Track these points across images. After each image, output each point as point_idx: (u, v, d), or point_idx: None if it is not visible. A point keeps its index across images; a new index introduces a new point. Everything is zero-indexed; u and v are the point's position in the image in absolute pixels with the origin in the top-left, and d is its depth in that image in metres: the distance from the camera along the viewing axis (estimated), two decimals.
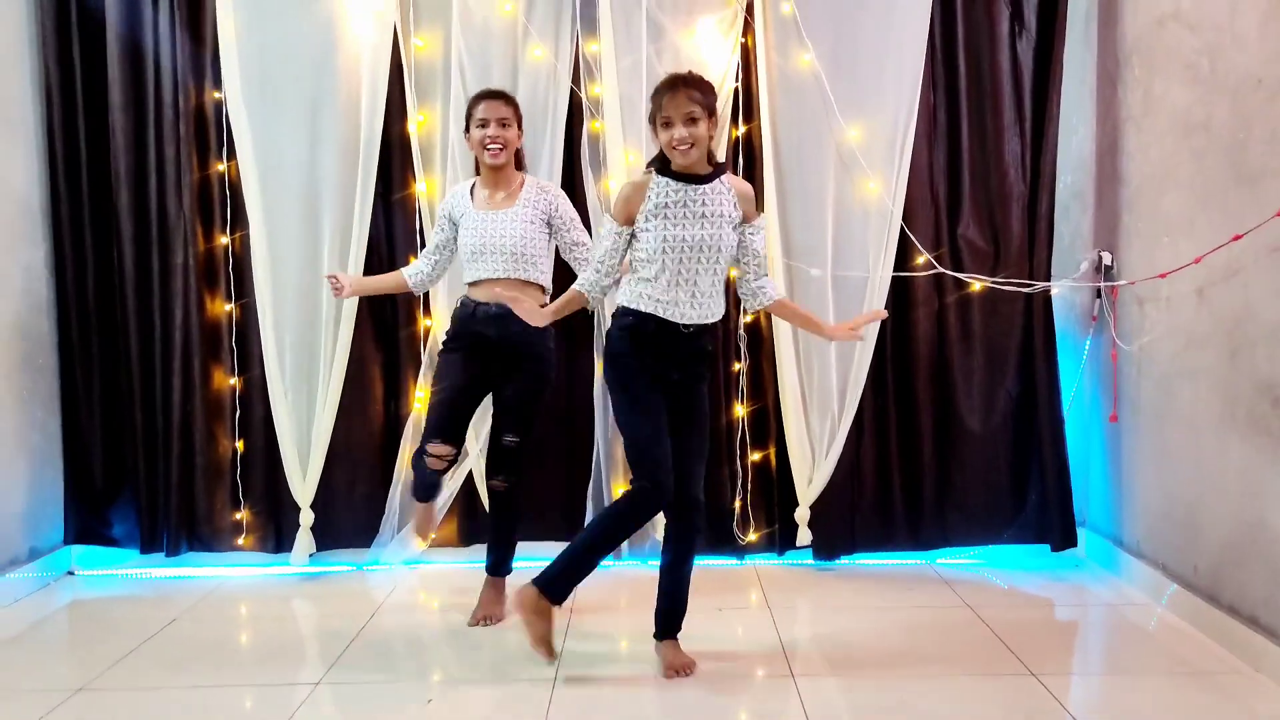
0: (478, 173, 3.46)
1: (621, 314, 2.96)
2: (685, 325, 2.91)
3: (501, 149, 3.32)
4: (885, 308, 3.87)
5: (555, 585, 2.92)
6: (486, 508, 3.70)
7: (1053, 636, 3.36)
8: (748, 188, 3.00)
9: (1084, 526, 4.05)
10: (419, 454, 3.38)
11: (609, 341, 2.99)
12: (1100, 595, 3.68)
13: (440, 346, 3.48)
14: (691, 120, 2.79)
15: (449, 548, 4.09)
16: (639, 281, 2.92)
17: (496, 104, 3.34)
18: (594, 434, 3.96)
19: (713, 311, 2.95)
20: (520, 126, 3.42)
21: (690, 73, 2.92)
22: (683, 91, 2.80)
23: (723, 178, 2.93)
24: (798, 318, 3.22)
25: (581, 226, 3.46)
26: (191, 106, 3.93)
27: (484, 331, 3.33)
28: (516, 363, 3.38)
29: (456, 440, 3.37)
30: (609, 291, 3.02)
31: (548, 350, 3.44)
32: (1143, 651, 3.16)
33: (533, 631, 2.93)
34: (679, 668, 2.99)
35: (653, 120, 2.87)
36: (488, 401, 3.53)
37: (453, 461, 3.36)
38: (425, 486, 3.46)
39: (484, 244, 3.32)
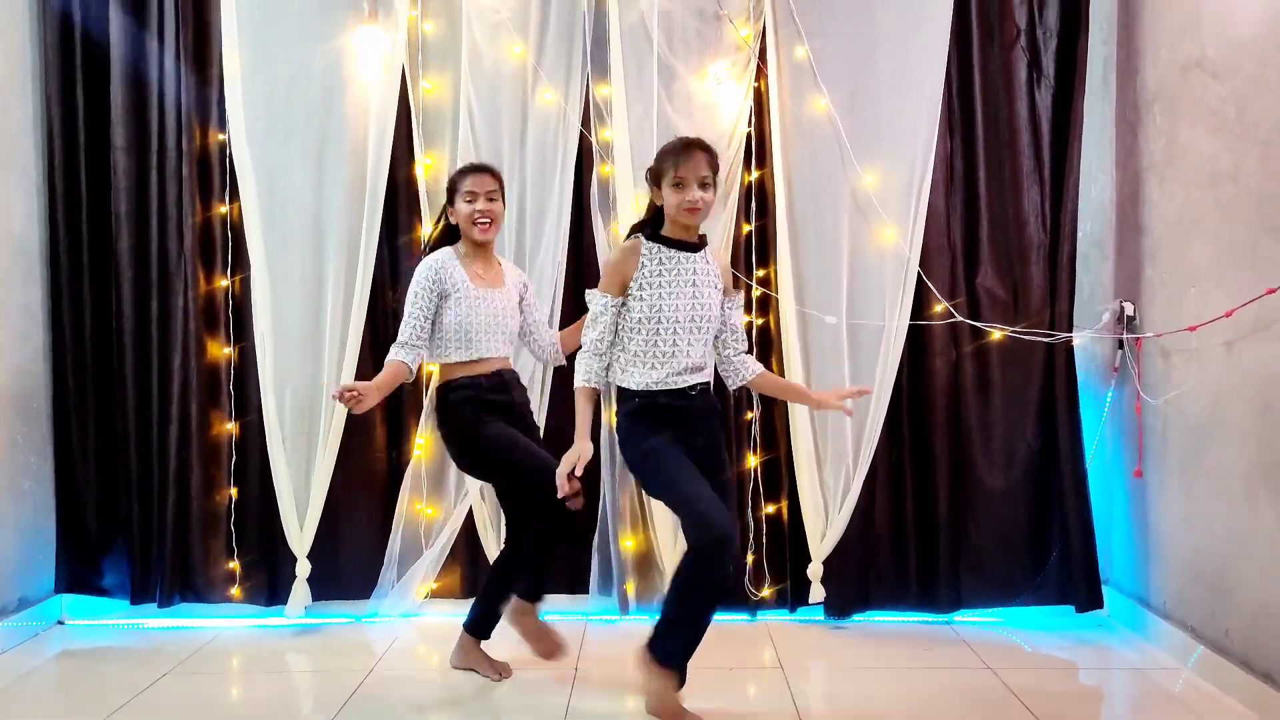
0: (448, 242, 3.34)
1: (625, 398, 2.89)
2: (689, 388, 2.87)
3: (490, 223, 3.27)
4: (902, 357, 3.80)
5: (665, 651, 2.81)
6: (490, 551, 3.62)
7: (1078, 702, 3.22)
8: (725, 261, 3.07)
9: (1107, 585, 3.92)
10: (549, 514, 3.11)
11: (620, 429, 2.92)
12: (1126, 658, 3.55)
13: (462, 434, 3.24)
14: (704, 185, 2.80)
15: (450, 599, 3.97)
16: (631, 359, 2.86)
17: (484, 177, 3.27)
18: (600, 485, 3.85)
19: (708, 375, 2.94)
20: (504, 198, 3.37)
21: (700, 139, 2.90)
22: (699, 154, 2.80)
23: (706, 249, 2.93)
24: (780, 389, 3.25)
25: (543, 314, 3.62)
26: (195, 147, 3.87)
27: (505, 400, 3.26)
28: (528, 420, 3.39)
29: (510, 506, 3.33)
30: (604, 376, 2.94)
31: None
32: None
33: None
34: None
35: (657, 180, 2.83)
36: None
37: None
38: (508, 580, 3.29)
39: (486, 323, 3.25)
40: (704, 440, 2.91)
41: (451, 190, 3.31)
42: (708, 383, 2.94)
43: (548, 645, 3.31)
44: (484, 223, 3.25)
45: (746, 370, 3.02)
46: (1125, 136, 3.85)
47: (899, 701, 3.16)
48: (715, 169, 2.85)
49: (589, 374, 2.90)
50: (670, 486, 2.80)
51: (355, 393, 3.04)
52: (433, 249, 3.35)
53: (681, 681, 2.84)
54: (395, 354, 3.21)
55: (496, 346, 3.29)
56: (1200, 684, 3.24)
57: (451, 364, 3.27)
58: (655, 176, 2.85)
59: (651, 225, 2.90)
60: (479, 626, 3.33)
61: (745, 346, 3.04)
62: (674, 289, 2.83)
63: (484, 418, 3.22)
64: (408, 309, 3.24)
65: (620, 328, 2.89)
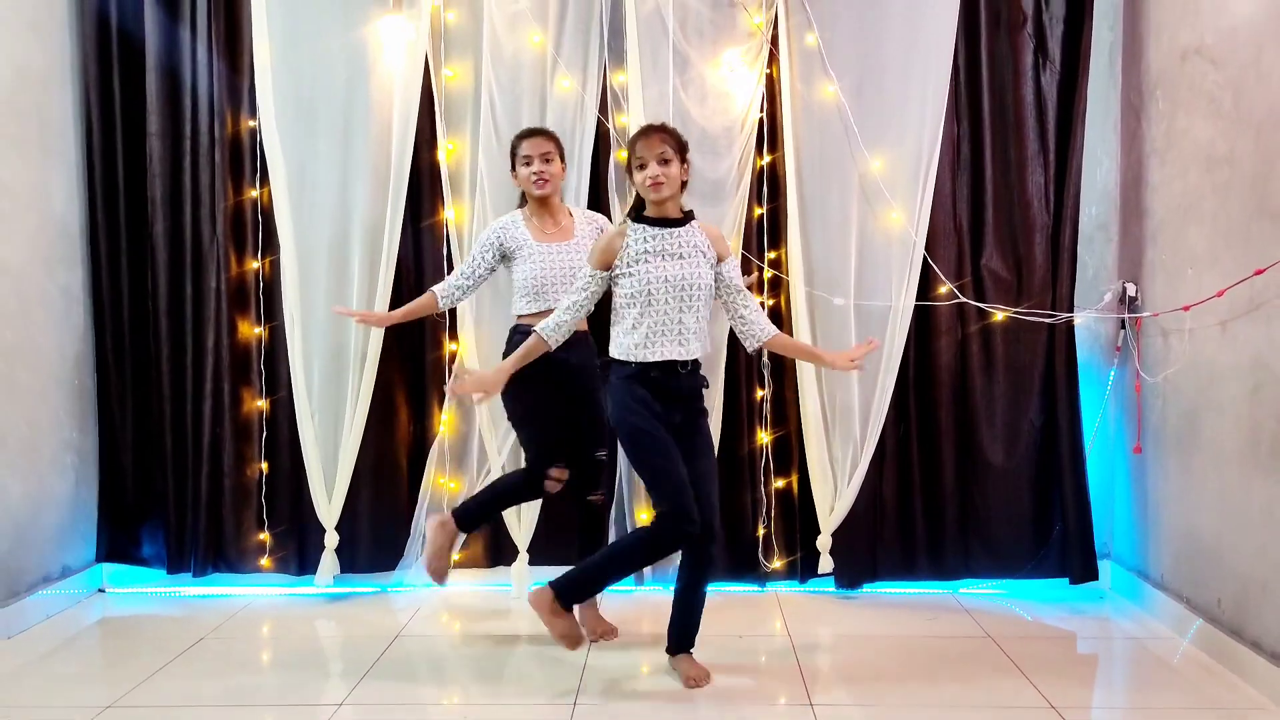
0: (522, 204, 3.60)
1: (619, 365, 3.09)
2: (681, 364, 3.04)
3: (547, 181, 3.47)
4: (908, 337, 3.90)
5: (569, 591, 3.10)
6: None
7: (1075, 670, 3.34)
8: (717, 230, 3.18)
9: (1108, 558, 4.04)
10: (532, 478, 3.51)
11: (612, 393, 3.11)
12: (1124, 628, 3.66)
13: (517, 387, 3.45)
14: (664, 161, 3.00)
15: (474, 569, 4.12)
16: (627, 331, 3.06)
17: (538, 140, 3.51)
18: (617, 457, 3.97)
19: (701, 348, 3.09)
20: (563, 159, 3.58)
21: (663, 122, 3.17)
22: (655, 135, 3.04)
23: (693, 223, 3.09)
24: (796, 350, 3.42)
25: None
26: (227, 134, 4.00)
27: (562, 357, 3.37)
28: (587, 381, 3.50)
29: (567, 462, 3.55)
30: (568, 336, 3.14)
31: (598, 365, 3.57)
32: (1165, 687, 3.14)
33: (554, 630, 3.11)
34: (696, 678, 3.10)
35: (628, 168, 3.08)
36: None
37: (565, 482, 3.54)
38: (500, 500, 3.62)
39: (549, 276, 3.46)
40: (682, 418, 3.09)
41: (512, 155, 3.56)
42: (698, 360, 3.10)
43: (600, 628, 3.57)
44: (540, 181, 3.47)
45: (762, 331, 3.12)
46: (1129, 121, 3.93)
47: (903, 668, 3.27)
48: (678, 146, 3.04)
49: (549, 327, 3.11)
50: (649, 466, 3.04)
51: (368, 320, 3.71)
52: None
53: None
54: (434, 287, 3.60)
55: (558, 299, 3.42)
56: (1195, 653, 3.35)
57: (524, 314, 3.51)
58: (627, 166, 3.09)
59: (637, 207, 3.11)
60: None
61: (754, 304, 3.15)
62: (660, 262, 3.02)
63: (530, 373, 3.38)
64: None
65: (616, 305, 3.10)
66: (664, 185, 2.99)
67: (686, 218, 3.09)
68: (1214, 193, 3.33)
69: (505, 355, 3.45)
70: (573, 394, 3.51)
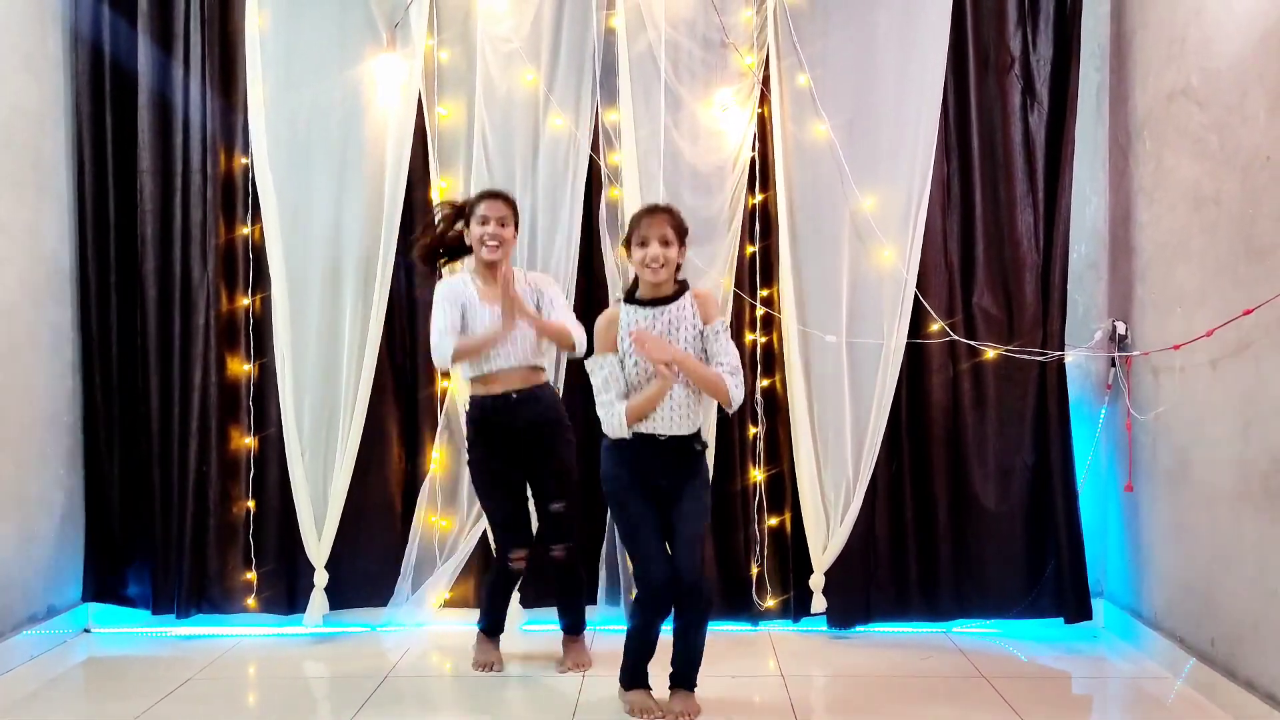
0: (457, 249, 3.66)
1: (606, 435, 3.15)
2: (662, 436, 3.07)
3: (499, 245, 3.49)
4: (900, 374, 3.91)
5: (626, 677, 3.21)
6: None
7: (1071, 710, 3.33)
8: (708, 293, 3.22)
9: (1102, 597, 4.03)
10: (500, 566, 3.59)
11: (601, 463, 3.18)
12: (1119, 668, 3.65)
13: (468, 454, 3.60)
14: (665, 242, 3.05)
15: (464, 609, 4.08)
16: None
17: (497, 203, 3.52)
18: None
19: (691, 423, 3.11)
20: (517, 225, 3.59)
21: (668, 204, 3.25)
22: (660, 215, 3.09)
23: (685, 294, 3.13)
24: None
25: (565, 307, 3.61)
26: (219, 171, 4.00)
27: (507, 422, 3.47)
28: (544, 436, 3.52)
29: (529, 539, 3.60)
30: (633, 418, 3.07)
31: (564, 414, 3.62)
32: None
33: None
34: (683, 713, 3.12)
35: (627, 242, 3.13)
36: None
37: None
38: (496, 597, 3.66)
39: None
40: (669, 484, 3.11)
41: (469, 213, 3.54)
42: (689, 434, 3.12)
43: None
44: (492, 244, 3.48)
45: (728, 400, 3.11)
46: (1117, 160, 3.97)
47: (896, 708, 3.26)
48: (679, 230, 3.09)
49: (612, 426, 3.07)
50: (628, 537, 3.17)
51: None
52: (434, 247, 3.64)
53: (647, 686, 3.20)
54: (441, 345, 3.43)
55: (506, 357, 3.45)
56: (1190, 694, 3.34)
57: (470, 379, 3.53)
58: (627, 240, 3.14)
59: (630, 291, 3.17)
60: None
61: (730, 365, 3.09)
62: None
63: (479, 448, 3.54)
64: (434, 318, 3.49)
65: None
66: (662, 269, 3.05)
67: (679, 291, 3.13)
68: (1201, 232, 3.36)
69: (468, 420, 3.56)
70: (524, 452, 3.52)
